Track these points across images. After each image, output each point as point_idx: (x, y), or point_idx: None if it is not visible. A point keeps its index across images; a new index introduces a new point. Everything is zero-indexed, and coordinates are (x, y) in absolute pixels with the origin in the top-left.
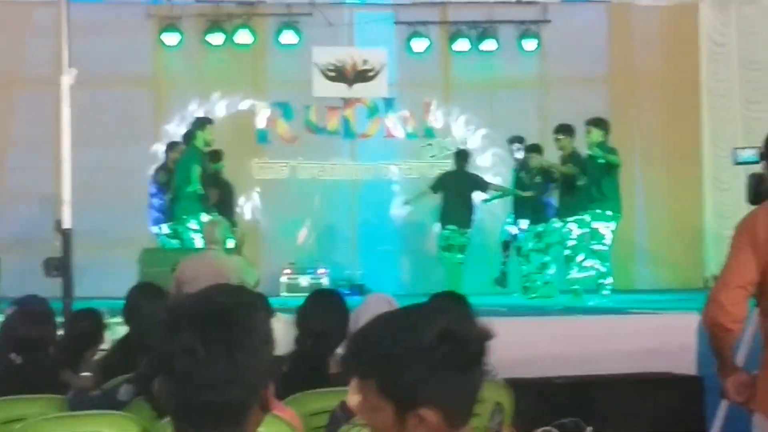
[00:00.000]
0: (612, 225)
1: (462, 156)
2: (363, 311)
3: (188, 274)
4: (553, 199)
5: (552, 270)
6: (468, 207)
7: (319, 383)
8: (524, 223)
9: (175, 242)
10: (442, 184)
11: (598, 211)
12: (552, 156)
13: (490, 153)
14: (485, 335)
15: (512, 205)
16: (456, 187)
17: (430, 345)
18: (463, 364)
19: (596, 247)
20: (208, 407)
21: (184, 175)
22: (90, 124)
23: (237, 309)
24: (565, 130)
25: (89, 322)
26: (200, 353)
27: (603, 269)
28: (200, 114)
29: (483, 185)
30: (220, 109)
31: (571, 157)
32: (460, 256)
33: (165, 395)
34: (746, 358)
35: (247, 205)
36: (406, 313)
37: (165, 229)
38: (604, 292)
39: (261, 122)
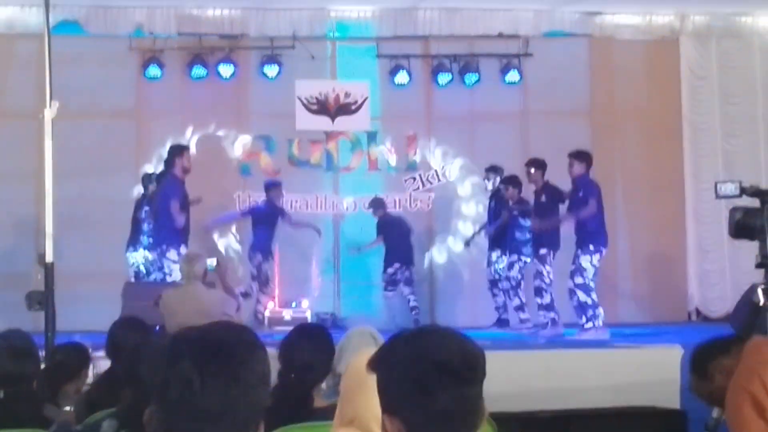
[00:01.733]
0: (594, 258)
1: (382, 203)
2: (346, 345)
3: (170, 308)
4: (526, 231)
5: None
6: (410, 246)
7: (303, 417)
8: (495, 255)
9: (154, 274)
10: (384, 230)
11: (583, 246)
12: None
13: (468, 181)
14: (452, 366)
15: (489, 241)
16: (395, 230)
17: (408, 362)
18: (420, 386)
19: (578, 280)
20: None
21: (164, 205)
22: (72, 157)
23: (237, 345)
24: (536, 164)
25: (70, 356)
26: (196, 384)
27: (589, 301)
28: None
29: (410, 228)
30: (202, 141)
31: (544, 190)
32: (408, 289)
33: (155, 424)
34: None
35: (230, 238)
36: (417, 330)
37: (143, 257)
38: (597, 322)
39: (244, 155)
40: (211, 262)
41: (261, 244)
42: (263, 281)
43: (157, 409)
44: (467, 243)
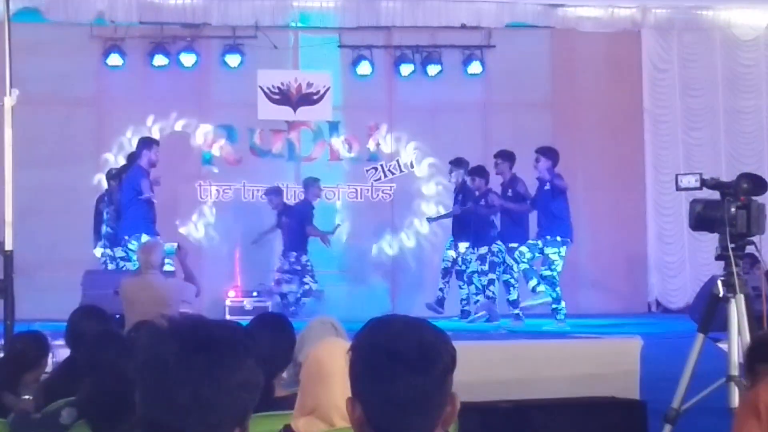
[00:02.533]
0: (562, 250)
1: (279, 192)
2: (307, 334)
3: (129, 297)
4: (494, 220)
5: (492, 288)
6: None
7: (263, 407)
8: (463, 246)
9: (118, 263)
10: (281, 218)
11: (548, 236)
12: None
13: (434, 181)
14: (404, 355)
15: (452, 228)
16: (294, 219)
17: (367, 349)
18: (372, 373)
19: (545, 272)
20: (164, 428)
21: (129, 194)
22: (32, 145)
23: (225, 345)
24: (504, 155)
25: (30, 345)
26: (171, 371)
27: (554, 294)
28: (144, 135)
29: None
30: (164, 130)
31: (512, 183)
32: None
33: (139, 406)
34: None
35: (191, 227)
36: (382, 318)
37: (109, 252)
38: (559, 317)
39: (205, 144)
40: (171, 246)
41: (296, 243)
42: (309, 272)
43: (138, 389)
44: (431, 220)
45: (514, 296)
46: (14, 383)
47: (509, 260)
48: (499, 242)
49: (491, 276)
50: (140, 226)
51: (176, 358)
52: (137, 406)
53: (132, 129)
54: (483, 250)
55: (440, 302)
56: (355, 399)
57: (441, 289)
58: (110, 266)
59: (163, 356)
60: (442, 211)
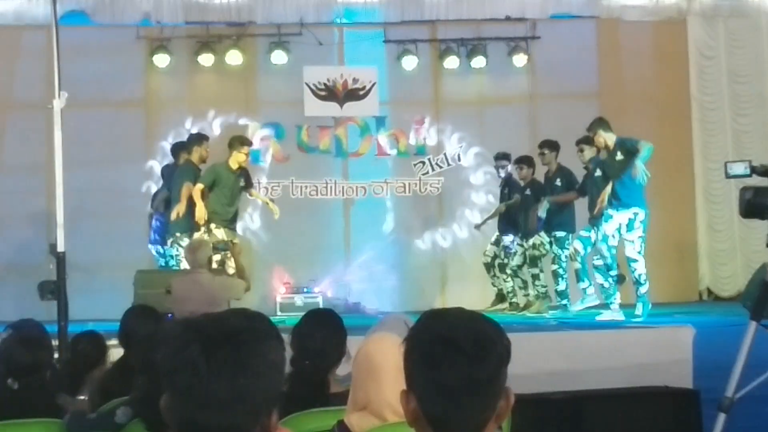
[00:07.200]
0: (638, 232)
1: None
2: (378, 331)
3: (179, 295)
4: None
5: (540, 282)
6: None
7: (319, 403)
8: (508, 239)
9: (170, 261)
10: None
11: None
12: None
13: (482, 170)
14: (460, 342)
15: (498, 224)
16: None
17: (422, 337)
18: (427, 361)
19: (597, 262)
20: (207, 427)
21: (177, 192)
22: (82, 147)
23: (247, 333)
24: (549, 145)
25: (92, 344)
26: (203, 371)
27: (606, 284)
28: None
29: None
30: (211, 129)
31: (559, 172)
32: None
33: (169, 411)
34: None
35: (240, 225)
36: (437, 309)
37: (161, 248)
38: (613, 305)
39: (253, 142)
40: (232, 237)
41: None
42: None
43: (167, 397)
44: (478, 227)
45: (563, 286)
46: (78, 383)
47: (556, 250)
48: (541, 234)
49: (534, 271)
50: (188, 226)
51: (205, 358)
52: (169, 411)
53: (179, 129)
54: (531, 241)
55: (501, 297)
56: (409, 391)
57: (493, 284)
58: (161, 261)
59: (191, 359)
60: (493, 202)
